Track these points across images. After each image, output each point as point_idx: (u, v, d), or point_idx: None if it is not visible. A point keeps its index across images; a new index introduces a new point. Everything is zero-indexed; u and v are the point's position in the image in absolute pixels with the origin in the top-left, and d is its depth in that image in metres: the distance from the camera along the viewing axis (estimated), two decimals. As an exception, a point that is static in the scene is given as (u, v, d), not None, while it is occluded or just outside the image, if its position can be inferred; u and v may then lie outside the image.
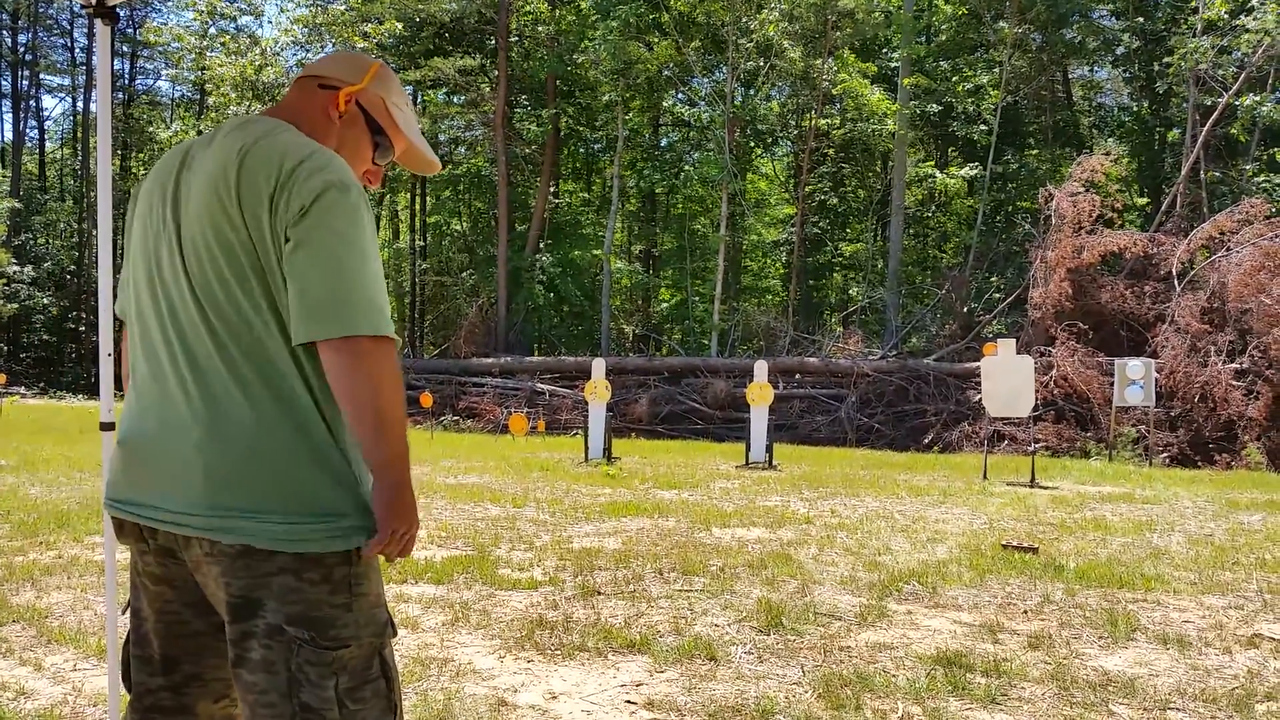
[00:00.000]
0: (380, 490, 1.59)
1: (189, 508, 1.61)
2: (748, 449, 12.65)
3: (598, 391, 13.13)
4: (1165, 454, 15.53)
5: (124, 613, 1.84)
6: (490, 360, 23.83)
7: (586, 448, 12.89)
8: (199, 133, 31.71)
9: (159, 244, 1.71)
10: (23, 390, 32.14)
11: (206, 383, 1.62)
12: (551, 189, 30.85)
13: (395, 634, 1.72)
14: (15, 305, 34.33)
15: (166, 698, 1.77)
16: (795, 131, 29.93)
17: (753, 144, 30.15)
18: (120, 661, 1.83)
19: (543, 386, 22.19)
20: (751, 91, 27.44)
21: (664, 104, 29.76)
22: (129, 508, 1.71)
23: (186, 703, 1.77)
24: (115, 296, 2.05)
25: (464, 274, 31.82)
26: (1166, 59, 22.82)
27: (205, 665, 1.75)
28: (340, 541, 1.59)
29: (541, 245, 28.93)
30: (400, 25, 26.94)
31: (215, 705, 1.79)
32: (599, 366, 13.53)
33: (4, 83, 43.59)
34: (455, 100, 31.08)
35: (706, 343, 26.87)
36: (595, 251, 29.50)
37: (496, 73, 28.03)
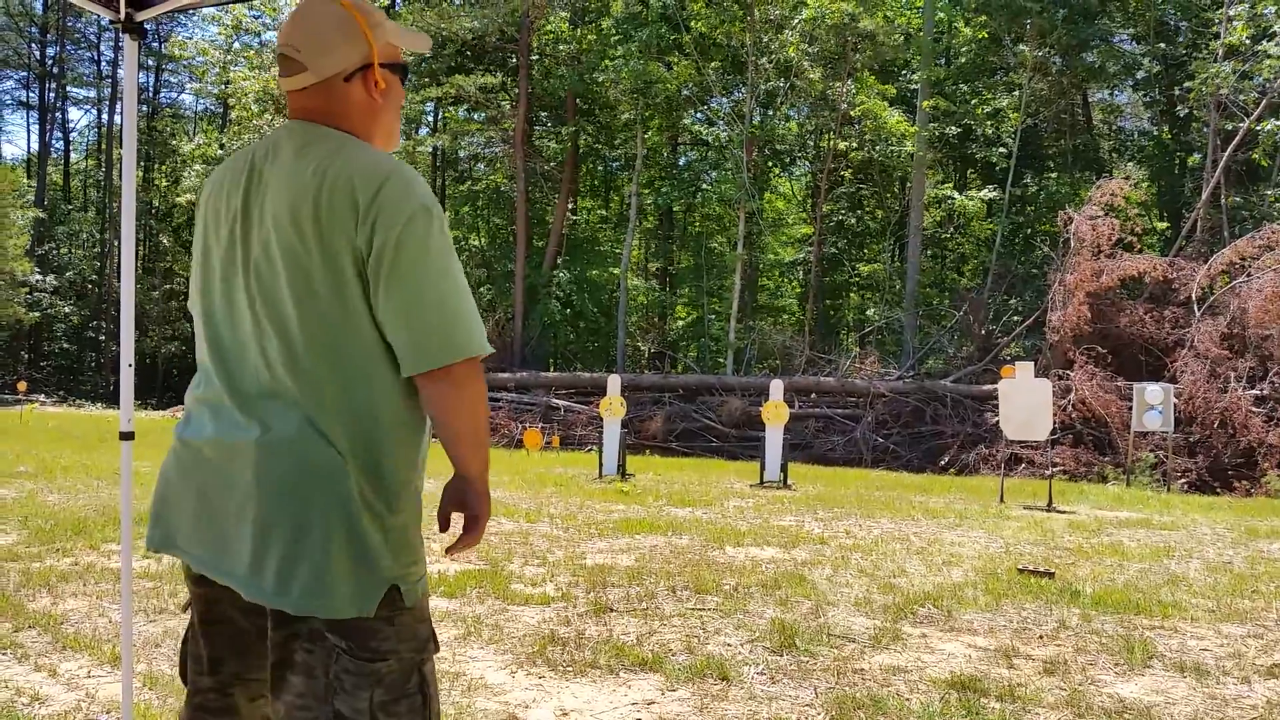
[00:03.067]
0: (472, 495, 1.69)
1: (237, 569, 1.64)
2: (762, 468, 12.61)
3: (613, 408, 13.13)
4: (1184, 480, 15.38)
5: (185, 610, 1.87)
6: (506, 375, 23.87)
7: (601, 464, 12.88)
8: (221, 146, 31.96)
9: (229, 266, 1.71)
10: (43, 398, 32.42)
11: (262, 413, 1.64)
12: (570, 206, 30.97)
13: (438, 649, 1.72)
14: (37, 314, 34.69)
15: (213, 698, 1.80)
16: (814, 152, 29.97)
17: (771, 164, 30.19)
18: (179, 657, 1.87)
19: (558, 402, 22.21)
20: (770, 112, 27.50)
21: (683, 123, 29.86)
22: (176, 540, 1.76)
23: (231, 703, 1.80)
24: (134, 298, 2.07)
25: (481, 289, 31.95)
26: (1187, 84, 22.73)
27: (249, 664, 1.77)
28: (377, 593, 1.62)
29: (559, 261, 29.03)
30: (422, 44, 27.13)
31: (252, 703, 1.81)
32: (614, 383, 13.54)
33: (32, 94, 44.20)
34: (476, 117, 31.28)
35: (722, 361, 26.84)
36: (612, 269, 29.56)
37: (517, 90, 28.20)
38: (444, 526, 1.74)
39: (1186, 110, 24.88)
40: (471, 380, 1.62)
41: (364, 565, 1.58)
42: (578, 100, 28.88)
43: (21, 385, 28.14)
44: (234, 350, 1.69)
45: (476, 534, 1.71)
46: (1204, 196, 21.65)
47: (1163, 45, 25.70)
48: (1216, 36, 22.29)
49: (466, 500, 1.70)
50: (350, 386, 1.61)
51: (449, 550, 1.72)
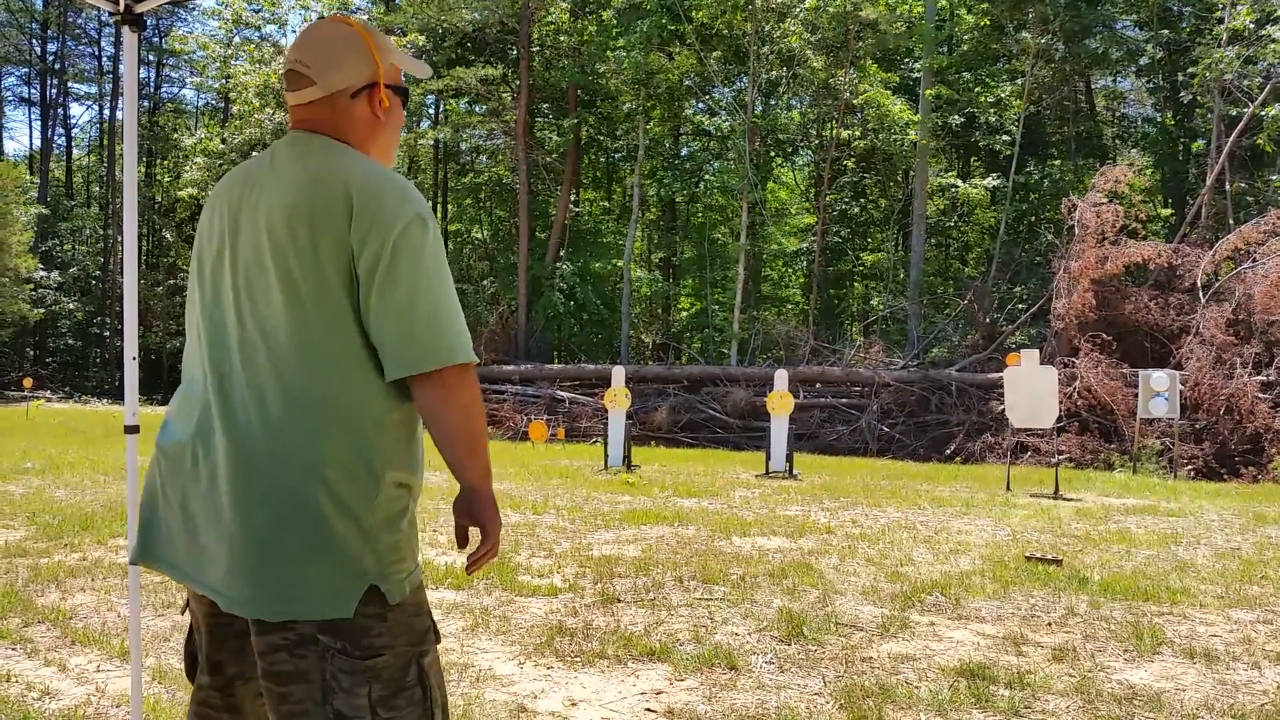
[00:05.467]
0: (475, 503, 1.67)
1: (213, 579, 1.64)
2: (768, 458, 12.61)
3: (617, 399, 13.12)
4: (1190, 467, 15.36)
5: (184, 612, 1.87)
6: (510, 367, 23.88)
7: (606, 455, 12.89)
8: (223, 140, 31.90)
9: (218, 268, 1.73)
10: (48, 394, 32.48)
11: (243, 416, 1.63)
12: (572, 198, 30.91)
13: (439, 641, 1.72)
14: (42, 310, 34.72)
15: (215, 696, 1.81)
16: (816, 141, 29.90)
17: (773, 153, 30.13)
18: (184, 654, 1.88)
19: (562, 394, 22.21)
20: (772, 101, 27.42)
21: (685, 113, 29.77)
22: (156, 551, 1.76)
23: (234, 702, 1.81)
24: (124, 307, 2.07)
25: (485, 282, 31.92)
26: (1191, 69, 22.64)
27: (248, 664, 1.77)
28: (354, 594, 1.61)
29: (562, 254, 28.99)
30: (423, 37, 27.11)
31: (259, 700, 1.82)
32: (619, 374, 13.53)
33: (33, 90, 44.18)
34: (477, 109, 31.23)
35: (726, 351, 26.81)
36: (615, 260, 29.53)
37: (518, 82, 28.14)
38: (462, 543, 1.72)
39: (1190, 96, 24.76)
40: (464, 386, 1.62)
41: (339, 568, 1.58)
42: (579, 91, 28.81)
43: (27, 382, 28.21)
44: (216, 352, 1.69)
45: (489, 544, 1.70)
46: (1208, 182, 21.57)
47: (1166, 31, 25.56)
48: (1220, 21, 22.18)
49: (473, 511, 1.68)
50: (333, 385, 1.61)
51: (469, 568, 1.70)
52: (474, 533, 1.74)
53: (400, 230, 1.60)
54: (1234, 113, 21.59)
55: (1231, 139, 20.90)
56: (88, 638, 4.07)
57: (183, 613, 1.87)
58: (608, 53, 25.74)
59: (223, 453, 1.62)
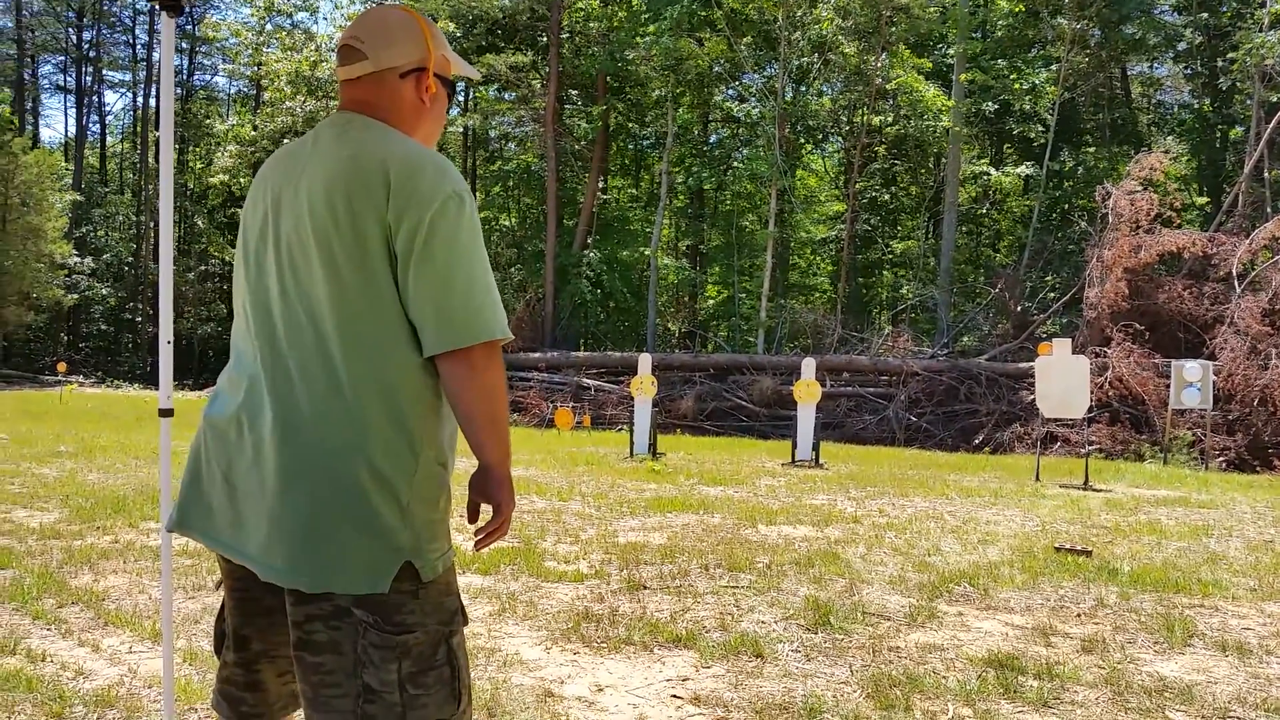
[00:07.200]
0: (492, 483, 1.69)
1: (252, 549, 1.67)
2: (794, 447, 12.57)
3: (644, 387, 13.12)
4: (1222, 458, 15.15)
5: (218, 588, 1.90)
6: (537, 355, 23.93)
7: (632, 443, 12.89)
8: (254, 127, 32.06)
9: (261, 246, 1.75)
10: (81, 379, 32.91)
11: (285, 389, 1.65)
12: (600, 185, 30.88)
13: (466, 622, 1.74)
14: (75, 296, 35.16)
15: (239, 674, 1.84)
16: (847, 127, 29.68)
17: (803, 140, 29.95)
18: (214, 633, 1.92)
19: (589, 381, 22.23)
20: (803, 88, 27.24)
21: (714, 100, 29.63)
22: (193, 521, 1.80)
23: (256, 679, 1.84)
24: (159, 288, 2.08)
25: (512, 269, 32.00)
26: (1230, 54, 22.26)
27: (274, 642, 1.81)
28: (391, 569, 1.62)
29: (589, 241, 28.97)
30: (453, 24, 27.13)
31: (279, 679, 1.84)
32: (645, 362, 13.53)
33: (68, 78, 44.69)
34: (506, 96, 31.23)
35: (753, 340, 26.74)
36: (643, 248, 29.49)
37: (548, 69, 28.11)
38: (473, 518, 1.75)
39: (1229, 82, 24.37)
40: (489, 365, 1.63)
41: (377, 542, 1.60)
42: (608, 78, 28.74)
43: (61, 366, 28.64)
44: (262, 328, 1.71)
45: (499, 522, 1.72)
46: (1246, 170, 21.22)
47: (1205, 15, 25.14)
48: (1262, 5, 21.78)
49: (488, 489, 1.70)
50: (373, 362, 1.63)
51: (477, 544, 1.74)
52: (485, 509, 1.76)
53: (437, 207, 1.61)
54: (1274, 99, 21.21)
55: (1271, 125, 20.53)
56: (120, 619, 4.13)
57: (216, 588, 1.90)
58: (637, 39, 25.65)
59: (269, 425, 1.64)
